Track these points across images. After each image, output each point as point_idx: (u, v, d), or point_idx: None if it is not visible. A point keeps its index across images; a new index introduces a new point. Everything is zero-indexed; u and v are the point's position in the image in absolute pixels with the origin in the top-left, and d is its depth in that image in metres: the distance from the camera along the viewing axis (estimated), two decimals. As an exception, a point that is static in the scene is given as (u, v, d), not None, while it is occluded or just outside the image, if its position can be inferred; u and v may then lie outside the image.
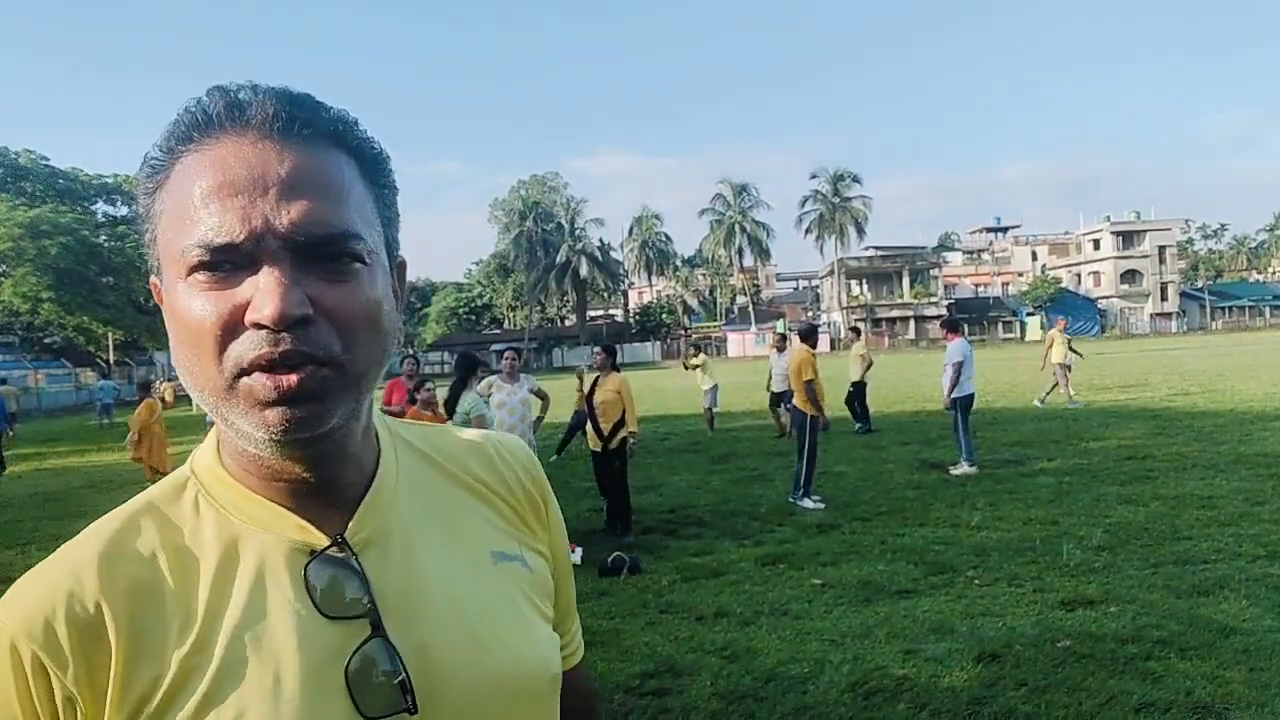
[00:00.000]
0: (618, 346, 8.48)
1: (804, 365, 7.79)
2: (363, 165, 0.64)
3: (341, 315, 0.59)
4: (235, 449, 0.64)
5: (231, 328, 0.57)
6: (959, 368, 9.01)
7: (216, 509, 0.64)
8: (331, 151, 0.62)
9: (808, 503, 7.56)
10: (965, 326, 10.68)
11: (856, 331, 15.19)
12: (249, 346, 0.57)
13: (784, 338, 13.13)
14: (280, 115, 0.59)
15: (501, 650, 0.67)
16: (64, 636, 0.57)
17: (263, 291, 0.56)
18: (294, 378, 0.57)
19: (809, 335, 8.29)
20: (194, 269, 0.58)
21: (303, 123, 0.60)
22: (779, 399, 12.57)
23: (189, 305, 0.58)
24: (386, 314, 0.63)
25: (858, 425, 12.74)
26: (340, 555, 0.63)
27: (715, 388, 14.13)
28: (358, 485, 0.67)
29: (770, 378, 13.00)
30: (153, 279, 0.65)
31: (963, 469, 8.81)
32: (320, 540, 0.63)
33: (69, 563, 0.61)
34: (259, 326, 0.56)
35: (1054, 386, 14.99)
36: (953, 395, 9.07)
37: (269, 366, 0.57)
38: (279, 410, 0.57)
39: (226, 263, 0.57)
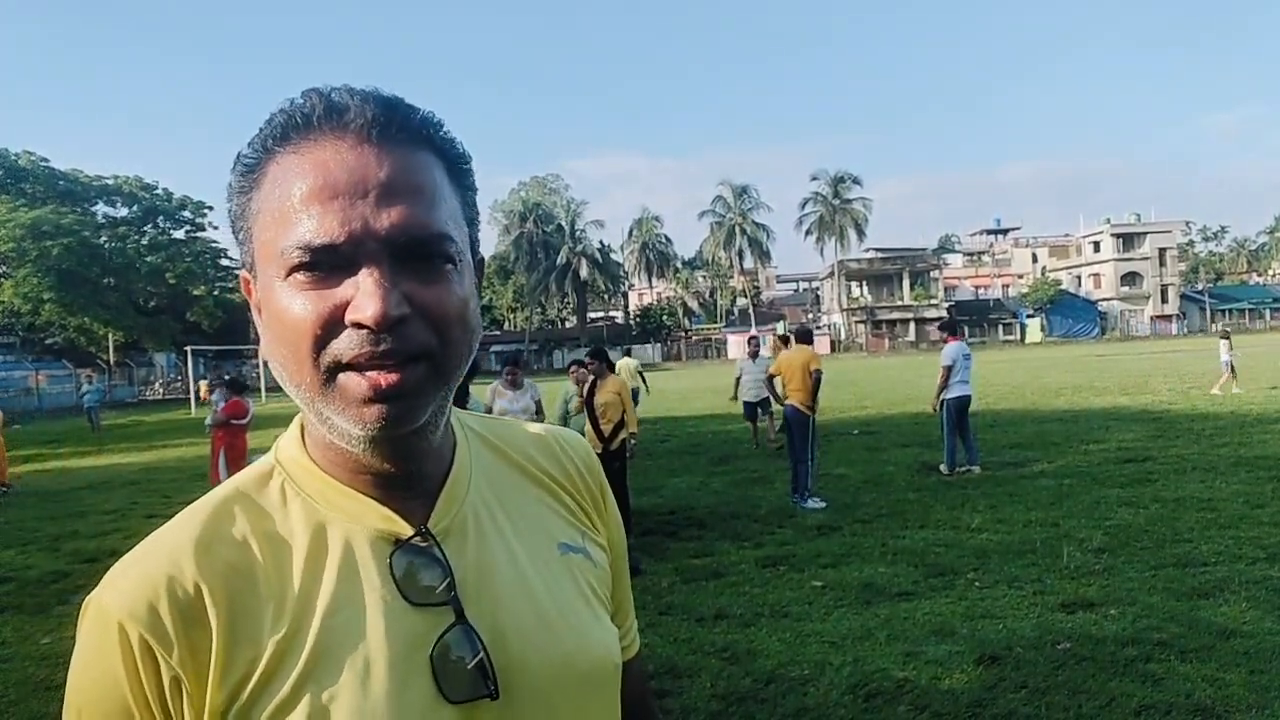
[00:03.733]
0: (618, 348, 8.52)
1: (812, 358, 7.99)
2: (449, 166, 0.66)
3: (436, 313, 0.60)
4: (322, 442, 0.66)
5: (330, 327, 0.58)
6: (948, 371, 9.11)
7: (304, 498, 0.66)
8: (422, 154, 0.63)
9: (809, 504, 7.57)
10: (964, 329, 10.76)
11: (786, 341, 14.77)
12: (349, 345, 0.58)
13: (757, 341, 12.89)
14: (378, 119, 0.61)
15: (571, 637, 0.69)
16: (168, 619, 0.59)
17: (363, 293, 0.57)
18: (394, 376, 0.58)
19: (805, 337, 8.48)
20: (294, 269, 0.59)
21: (398, 126, 0.62)
22: (754, 409, 11.96)
23: (289, 304, 0.59)
24: (473, 311, 0.64)
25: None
26: (424, 544, 0.65)
27: (635, 391, 14.23)
28: (437, 476, 0.69)
29: (738, 385, 12.12)
30: (242, 273, 0.67)
31: (942, 467, 8.98)
32: (405, 530, 0.65)
33: (166, 547, 0.62)
34: (359, 326, 0.58)
35: None
36: (941, 398, 9.16)
37: (367, 365, 0.58)
38: (376, 407, 0.59)
39: (326, 263, 0.59)
